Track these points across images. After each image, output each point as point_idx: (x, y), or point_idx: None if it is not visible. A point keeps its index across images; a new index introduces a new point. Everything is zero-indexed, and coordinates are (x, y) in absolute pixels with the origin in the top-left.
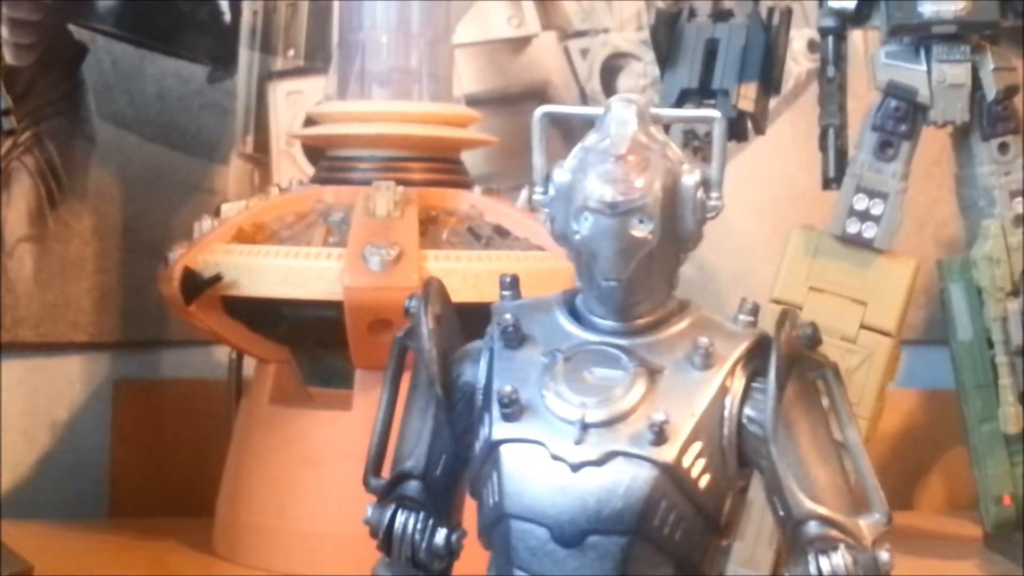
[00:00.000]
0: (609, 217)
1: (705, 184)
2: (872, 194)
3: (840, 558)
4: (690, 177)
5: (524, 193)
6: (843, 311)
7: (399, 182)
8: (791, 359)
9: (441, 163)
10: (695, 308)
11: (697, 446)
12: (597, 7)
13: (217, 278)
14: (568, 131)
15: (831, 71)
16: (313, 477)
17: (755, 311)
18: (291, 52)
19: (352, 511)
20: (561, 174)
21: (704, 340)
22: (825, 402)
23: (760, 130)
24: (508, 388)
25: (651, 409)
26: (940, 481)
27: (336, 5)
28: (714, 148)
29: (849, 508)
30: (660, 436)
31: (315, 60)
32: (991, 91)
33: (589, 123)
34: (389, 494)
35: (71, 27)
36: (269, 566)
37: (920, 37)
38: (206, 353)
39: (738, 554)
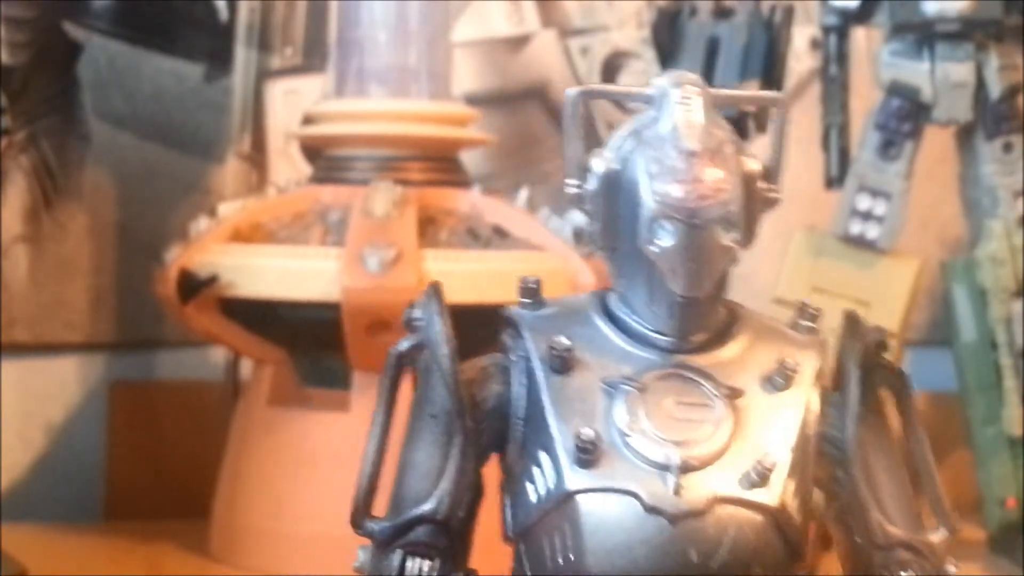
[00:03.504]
0: (695, 228)
1: (765, 174)
2: (875, 193)
3: None
4: (753, 165)
5: (523, 193)
6: None
7: (397, 181)
8: (867, 371)
9: (440, 162)
10: (744, 313)
11: (793, 483)
12: (597, 5)
13: (213, 279)
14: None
15: (833, 69)
16: (310, 479)
17: (816, 316)
18: (288, 50)
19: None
20: (604, 163)
21: (791, 361)
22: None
23: (762, 129)
24: (589, 432)
25: (746, 445)
26: (943, 484)
27: (334, 3)
28: (772, 135)
29: (918, 524)
30: (764, 478)
31: (313, 58)
32: (995, 89)
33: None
34: (394, 540)
35: (66, 25)
36: (266, 568)
37: (923, 35)
38: (202, 354)
39: None
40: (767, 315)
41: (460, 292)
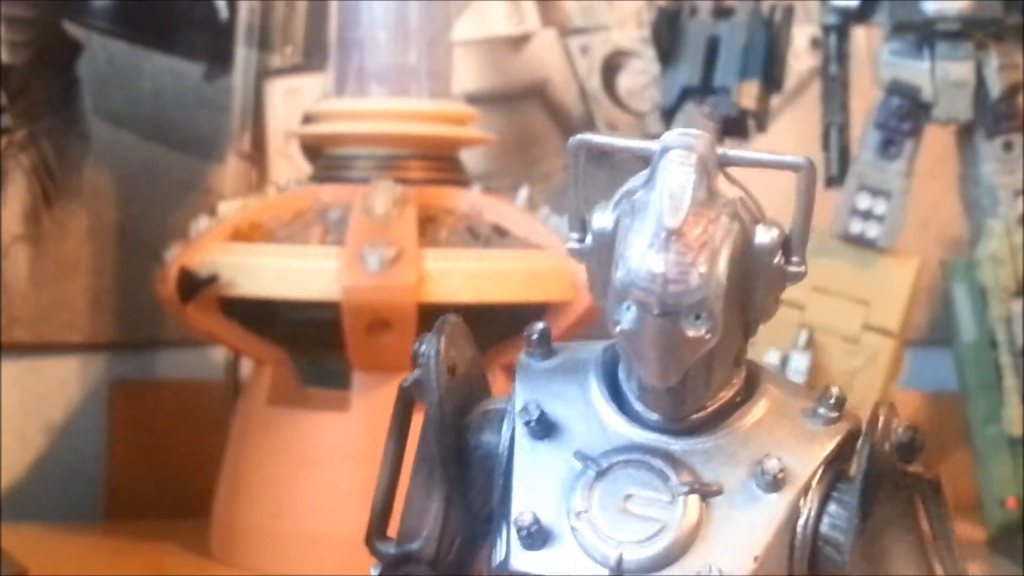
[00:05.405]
0: (657, 316)
1: (784, 246)
2: (875, 193)
3: None
4: (766, 235)
5: (523, 192)
6: (846, 311)
7: (397, 180)
8: (880, 479)
9: (440, 161)
10: (764, 388)
11: None
12: (597, 4)
13: (213, 278)
14: (567, 130)
15: (833, 68)
16: (310, 478)
17: (840, 404)
18: (289, 49)
19: (349, 513)
20: (602, 220)
21: (773, 464)
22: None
23: (762, 128)
24: (528, 516)
25: (702, 552)
26: (943, 483)
27: (334, 2)
28: (797, 201)
29: None
30: None
31: (313, 57)
32: (995, 89)
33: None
34: (395, 568)
35: (66, 25)
36: (265, 568)
37: (923, 35)
38: (202, 354)
39: None
40: (793, 387)
41: (459, 291)
